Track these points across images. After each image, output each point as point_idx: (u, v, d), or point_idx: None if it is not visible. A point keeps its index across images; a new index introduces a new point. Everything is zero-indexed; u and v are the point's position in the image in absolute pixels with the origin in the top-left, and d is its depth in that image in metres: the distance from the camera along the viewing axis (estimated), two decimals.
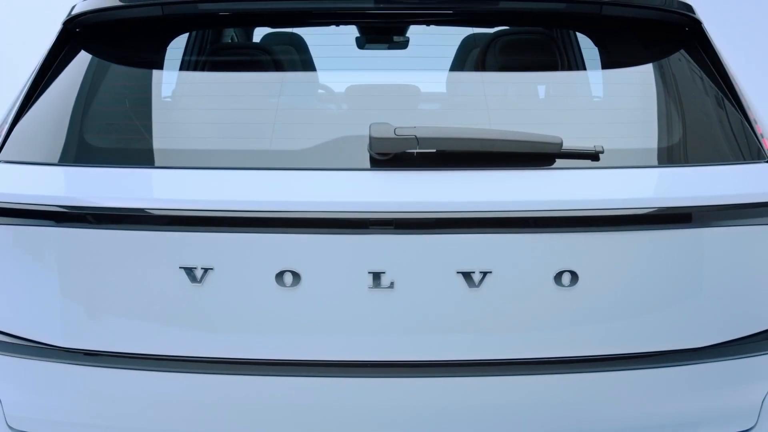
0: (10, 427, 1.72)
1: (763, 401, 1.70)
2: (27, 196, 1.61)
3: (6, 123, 1.76)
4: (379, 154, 1.57)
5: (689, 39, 1.85)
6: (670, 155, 1.72)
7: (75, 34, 1.86)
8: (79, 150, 1.71)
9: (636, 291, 1.57)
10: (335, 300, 1.54)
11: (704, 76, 1.80)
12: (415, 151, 1.56)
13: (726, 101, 1.76)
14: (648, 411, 1.64)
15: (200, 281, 1.54)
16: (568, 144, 1.57)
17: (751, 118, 1.75)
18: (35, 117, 1.75)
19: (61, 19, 1.92)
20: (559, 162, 1.60)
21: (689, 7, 1.87)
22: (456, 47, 2.51)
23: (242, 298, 1.55)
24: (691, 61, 1.83)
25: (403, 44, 2.44)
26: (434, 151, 1.58)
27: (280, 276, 1.53)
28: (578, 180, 1.58)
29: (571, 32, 2.26)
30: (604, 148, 1.59)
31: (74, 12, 1.87)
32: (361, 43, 2.45)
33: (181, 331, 1.57)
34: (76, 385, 1.64)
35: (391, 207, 1.52)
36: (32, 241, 1.60)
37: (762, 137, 1.74)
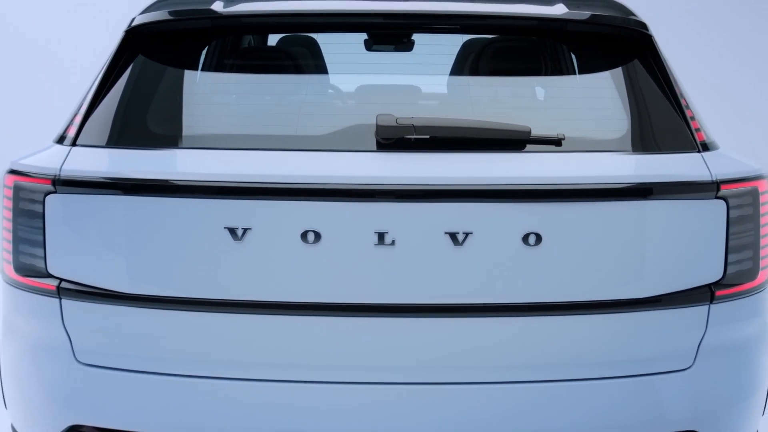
0: (78, 361, 2.05)
1: (699, 346, 2.05)
2: (99, 172, 2.00)
3: (80, 115, 2.15)
4: (383, 139, 1.95)
5: (643, 50, 2.22)
6: (620, 144, 2.10)
7: (134, 40, 2.24)
8: (140, 136, 2.10)
9: (589, 251, 1.95)
10: (347, 254, 1.92)
11: (652, 80, 2.17)
12: (413, 137, 1.95)
13: (669, 101, 2.14)
14: (602, 349, 1.99)
15: (240, 239, 1.92)
16: (536, 132, 1.96)
17: (689, 115, 2.13)
18: (103, 109, 2.13)
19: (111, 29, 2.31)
20: (528, 147, 1.98)
21: (644, 25, 2.24)
22: (455, 53, 2.90)
23: (274, 253, 1.92)
24: (643, 68, 2.20)
25: (409, 47, 2.83)
26: (428, 137, 1.96)
27: (304, 235, 1.91)
28: (543, 161, 1.96)
29: (548, 41, 2.64)
30: (565, 136, 1.98)
31: (134, 23, 2.25)
32: (370, 47, 2.84)
33: (224, 279, 1.94)
34: (134, 324, 1.99)
35: (392, 181, 1.90)
36: (102, 208, 1.98)
37: (696, 131, 2.13)
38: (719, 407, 2.11)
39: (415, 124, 1.93)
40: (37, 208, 2.01)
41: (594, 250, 1.95)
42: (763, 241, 2.10)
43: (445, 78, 2.70)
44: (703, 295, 2.02)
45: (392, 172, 1.91)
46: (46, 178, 2.00)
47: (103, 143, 2.07)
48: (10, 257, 2.10)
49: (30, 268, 2.05)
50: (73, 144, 2.09)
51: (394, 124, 1.93)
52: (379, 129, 1.94)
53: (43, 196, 2.00)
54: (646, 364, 2.03)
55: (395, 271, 1.92)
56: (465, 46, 2.77)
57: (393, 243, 1.91)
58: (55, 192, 1.99)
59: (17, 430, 2.23)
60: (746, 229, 2.05)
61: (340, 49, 2.88)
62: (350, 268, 1.92)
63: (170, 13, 2.25)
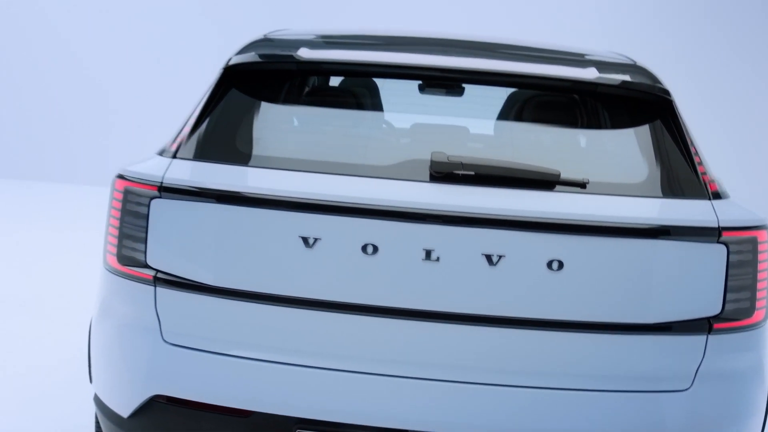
0: (165, 341, 2.40)
1: (697, 371, 2.33)
2: (196, 182, 2.39)
3: (181, 134, 2.56)
4: (436, 172, 2.32)
5: (664, 111, 2.56)
6: (639, 189, 2.43)
7: (230, 76, 2.64)
8: (230, 153, 2.49)
9: (604, 279, 2.28)
10: (399, 267, 2.27)
11: (671, 137, 2.52)
12: (460, 172, 2.32)
13: (685, 156, 2.48)
14: (610, 365, 2.29)
15: (311, 246, 2.29)
16: (565, 175, 2.32)
17: (701, 169, 2.47)
18: (201, 130, 2.53)
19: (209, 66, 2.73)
20: (558, 187, 2.34)
21: (667, 92, 2.59)
22: (500, 99, 3.29)
23: (338, 260, 2.28)
24: (664, 126, 2.54)
25: (459, 93, 3.21)
26: (473, 173, 2.33)
27: (364, 247, 2.27)
28: (569, 200, 2.31)
29: (581, 97, 2.99)
30: (590, 180, 2.33)
31: (231, 62, 2.65)
32: (423, 90, 3.23)
33: (295, 279, 2.30)
34: (216, 312, 2.34)
35: (441, 208, 2.25)
36: (197, 212, 2.36)
37: (709, 182, 2.46)
38: (714, 428, 2.39)
39: (463, 162, 2.30)
40: (143, 209, 2.41)
41: (608, 279, 2.28)
42: (760, 285, 2.40)
43: (490, 122, 3.07)
44: (702, 326, 2.32)
45: (441, 201, 2.27)
46: (152, 185, 2.39)
47: (201, 158, 2.47)
48: (113, 249, 2.49)
49: (131, 260, 2.44)
50: (174, 156, 2.49)
51: (446, 160, 2.30)
52: (433, 164, 2.31)
53: (148, 199, 2.39)
54: (649, 382, 2.32)
55: (438, 283, 2.27)
56: (510, 97, 3.15)
57: (438, 259, 2.26)
58: (159, 197, 2.39)
59: (102, 399, 2.59)
60: (745, 272, 2.36)
61: (397, 90, 3.27)
62: (401, 278, 2.28)
63: (260, 56, 2.66)
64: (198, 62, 7.63)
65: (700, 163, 2.49)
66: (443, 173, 2.32)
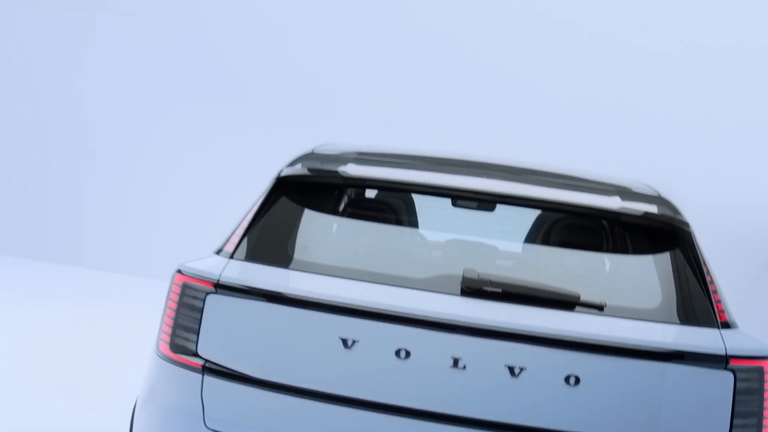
0: (206, 425, 2.57)
1: None
2: (250, 282, 2.62)
3: (236, 235, 2.83)
4: (467, 287, 2.56)
5: (683, 242, 2.79)
6: (653, 314, 2.63)
7: (281, 185, 2.93)
8: (281, 257, 2.75)
9: (617, 396, 2.44)
10: (429, 372, 2.47)
11: (687, 266, 2.73)
12: (489, 289, 2.55)
13: (699, 285, 2.69)
14: None
15: (350, 348, 2.51)
16: (585, 297, 2.54)
17: (715, 298, 2.68)
18: (254, 233, 2.81)
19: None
20: (577, 308, 2.56)
21: (686, 224, 2.83)
22: (529, 218, 3.54)
23: (373, 362, 2.48)
24: (681, 255, 2.76)
25: (491, 208, 3.46)
26: (500, 291, 2.56)
27: (398, 352, 2.48)
28: (588, 321, 2.52)
29: (607, 223, 3.24)
30: (608, 303, 2.55)
31: (282, 174, 2.95)
32: (455, 203, 3.49)
33: (333, 377, 2.50)
34: (257, 402, 2.53)
35: (470, 320, 2.47)
36: (248, 309, 2.59)
37: (719, 312, 2.66)
38: None
39: (492, 280, 2.54)
40: (198, 303, 2.65)
41: (621, 397, 2.45)
42: (767, 413, 2.56)
43: (519, 241, 3.32)
44: None
45: (470, 314, 2.49)
46: (209, 282, 2.64)
47: (254, 259, 2.73)
48: (167, 338, 2.71)
49: (183, 348, 2.66)
50: (230, 257, 2.75)
51: (476, 277, 2.54)
52: (465, 280, 2.55)
53: (204, 294, 2.64)
54: None
55: (465, 390, 2.46)
56: (538, 219, 3.40)
57: (464, 368, 2.46)
58: (215, 293, 2.63)
59: None
60: (751, 399, 2.51)
61: (431, 203, 3.54)
62: (430, 382, 2.47)
63: (309, 170, 2.97)
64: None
65: (715, 292, 2.70)
66: (474, 289, 2.55)
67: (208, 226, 7.32)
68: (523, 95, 7.32)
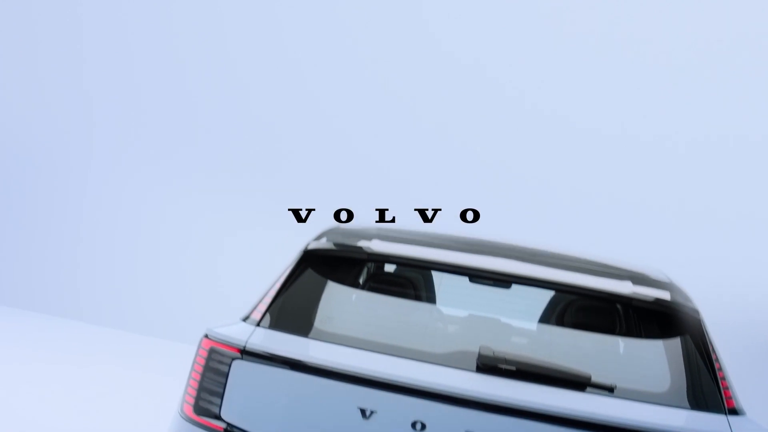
0: None
1: None
2: (275, 350, 2.74)
3: (263, 304, 2.97)
4: (482, 364, 2.66)
5: (692, 328, 2.90)
6: (662, 398, 2.72)
7: (307, 258, 3.09)
8: (306, 328, 2.88)
9: None
10: None
11: (697, 352, 2.83)
12: (504, 366, 2.65)
13: (708, 371, 2.78)
14: None
15: (367, 418, 2.61)
16: (596, 378, 2.63)
17: (723, 385, 2.76)
18: (280, 302, 2.94)
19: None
20: (588, 389, 2.65)
21: (696, 311, 2.94)
22: (544, 298, 3.65)
23: None
24: (691, 341, 2.86)
25: (507, 286, 3.57)
26: (514, 369, 2.66)
27: (414, 424, 2.58)
28: (597, 402, 2.61)
29: (618, 306, 3.34)
30: (618, 385, 2.64)
31: (309, 248, 3.11)
32: (472, 280, 3.61)
33: None
34: None
35: (484, 396, 2.57)
36: (272, 375, 2.72)
37: (727, 398, 2.74)
38: None
39: (506, 358, 2.64)
40: (224, 368, 2.77)
41: None
42: None
43: (534, 321, 3.43)
44: None
45: (485, 390, 2.59)
46: (236, 347, 2.77)
47: (278, 328, 2.86)
48: (191, 400, 2.83)
49: (206, 411, 2.77)
50: (257, 325, 2.88)
51: (492, 355, 2.65)
52: (480, 356, 2.66)
53: (230, 360, 2.77)
54: None
55: None
56: (552, 300, 3.52)
57: None
58: (240, 359, 2.76)
59: None
60: None
61: (449, 279, 3.67)
62: None
63: (335, 244, 3.12)
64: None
65: (723, 378, 2.78)
66: (488, 366, 2.66)
67: (226, 292, 7.51)
68: (542, 181, 7.48)
